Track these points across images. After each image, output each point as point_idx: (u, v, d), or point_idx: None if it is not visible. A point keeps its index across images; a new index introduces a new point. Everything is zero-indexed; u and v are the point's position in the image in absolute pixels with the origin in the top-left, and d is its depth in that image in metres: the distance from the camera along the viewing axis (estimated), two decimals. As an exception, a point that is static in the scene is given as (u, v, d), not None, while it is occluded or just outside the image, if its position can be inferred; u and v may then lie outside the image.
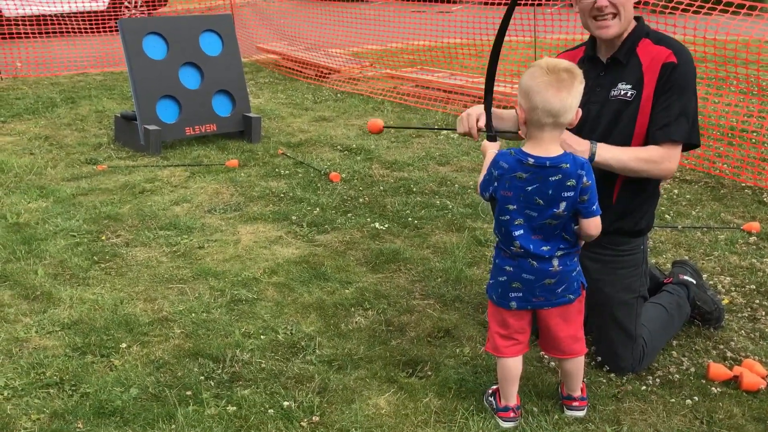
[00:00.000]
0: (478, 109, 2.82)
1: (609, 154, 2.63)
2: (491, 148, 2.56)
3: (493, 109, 2.81)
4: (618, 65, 2.78)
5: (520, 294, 2.46)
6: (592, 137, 2.71)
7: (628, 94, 2.73)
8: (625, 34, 2.77)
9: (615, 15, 2.71)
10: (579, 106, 2.35)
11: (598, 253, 2.86)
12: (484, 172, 2.49)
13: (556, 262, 2.41)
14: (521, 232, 2.39)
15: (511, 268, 2.44)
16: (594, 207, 2.38)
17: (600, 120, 2.78)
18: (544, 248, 2.40)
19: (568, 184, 2.31)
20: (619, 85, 2.76)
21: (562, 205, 2.34)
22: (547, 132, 2.31)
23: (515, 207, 2.38)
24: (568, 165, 2.31)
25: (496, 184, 2.40)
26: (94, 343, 3.07)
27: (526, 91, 2.29)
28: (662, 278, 3.36)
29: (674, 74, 2.67)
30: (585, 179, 2.34)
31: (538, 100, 2.26)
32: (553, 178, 2.31)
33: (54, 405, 2.67)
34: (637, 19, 2.80)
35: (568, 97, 2.27)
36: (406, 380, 2.84)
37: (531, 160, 2.32)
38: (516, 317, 2.50)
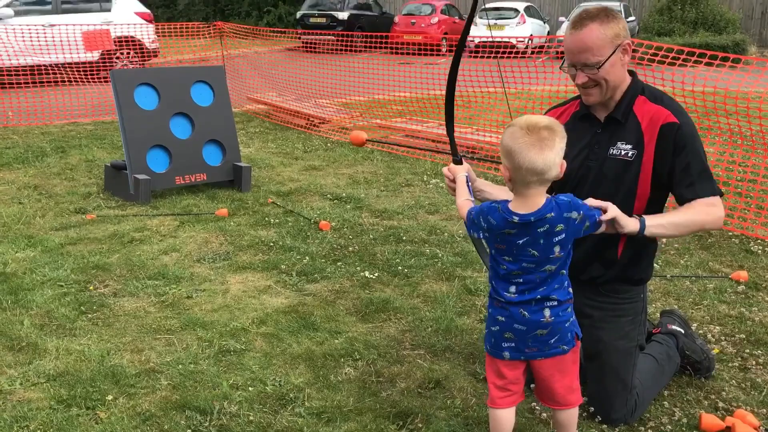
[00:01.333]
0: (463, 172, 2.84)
1: (656, 222, 2.61)
2: (459, 171, 2.72)
3: (483, 182, 2.91)
4: (616, 123, 2.79)
5: (513, 344, 2.45)
6: (596, 196, 2.70)
7: (629, 155, 2.74)
8: (620, 93, 2.78)
9: (596, 85, 2.73)
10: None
11: (598, 301, 2.87)
12: (459, 195, 2.66)
13: (547, 313, 2.41)
14: (520, 280, 2.40)
15: (503, 318, 2.44)
16: (595, 219, 2.41)
17: (602, 179, 2.79)
18: (541, 288, 2.40)
19: (557, 229, 2.33)
20: (619, 144, 2.77)
21: (557, 249, 2.35)
22: (533, 188, 2.34)
23: (511, 259, 2.39)
24: (552, 214, 2.33)
25: (487, 235, 2.42)
26: (79, 396, 3.02)
27: (508, 152, 2.31)
28: (651, 328, 3.36)
29: (680, 134, 2.67)
30: (575, 214, 2.35)
31: (522, 161, 2.28)
32: (541, 230, 2.33)
33: (37, 460, 2.61)
34: (631, 74, 2.83)
35: (551, 155, 2.29)
36: (397, 432, 2.80)
37: (516, 219, 2.34)
38: (510, 367, 2.49)
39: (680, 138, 2.67)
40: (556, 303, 2.42)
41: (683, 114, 2.73)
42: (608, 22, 2.65)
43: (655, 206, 2.80)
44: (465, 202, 2.64)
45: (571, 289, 2.47)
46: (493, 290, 2.48)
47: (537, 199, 2.35)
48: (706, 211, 2.67)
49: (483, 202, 2.51)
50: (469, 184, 2.76)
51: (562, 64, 2.79)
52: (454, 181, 2.81)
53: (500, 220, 2.37)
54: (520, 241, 2.35)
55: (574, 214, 2.35)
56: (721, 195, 2.77)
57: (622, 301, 2.88)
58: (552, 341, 2.44)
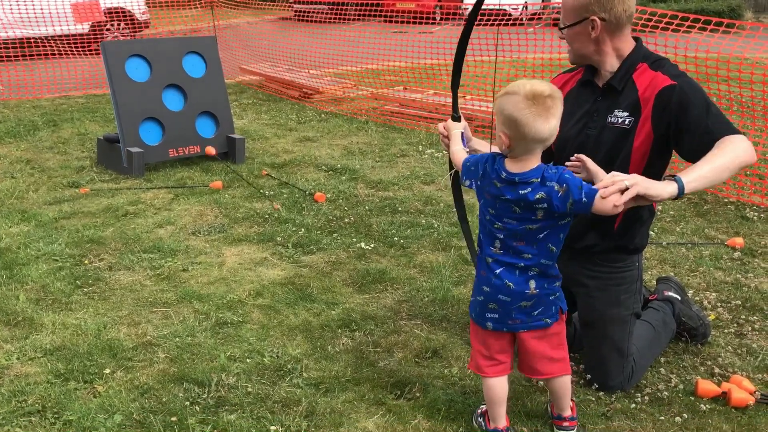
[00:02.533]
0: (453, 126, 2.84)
1: (695, 181, 2.41)
2: (455, 128, 2.75)
3: (478, 141, 2.91)
4: (613, 91, 2.77)
5: (496, 315, 2.45)
6: (594, 161, 2.67)
7: (626, 122, 2.72)
8: (618, 61, 2.76)
9: (569, 47, 2.81)
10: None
11: (593, 270, 2.87)
12: (453, 148, 2.70)
13: (533, 285, 2.39)
14: (501, 236, 2.40)
15: (488, 289, 2.44)
16: (583, 194, 2.24)
17: (600, 146, 2.77)
18: (526, 255, 2.38)
19: (538, 197, 2.29)
20: (616, 112, 2.75)
21: (540, 213, 2.32)
22: (532, 152, 2.32)
23: (494, 212, 2.40)
24: (537, 179, 2.29)
25: (478, 182, 2.44)
26: (77, 369, 3.02)
27: (513, 122, 2.26)
28: (647, 295, 3.37)
29: (680, 94, 2.59)
30: (557, 186, 2.26)
31: (527, 131, 2.25)
32: (523, 192, 2.31)
33: (36, 433, 2.62)
34: (636, 40, 2.82)
35: (555, 122, 2.28)
36: (395, 402, 2.81)
37: (503, 175, 2.34)
38: (494, 337, 2.50)
39: (681, 96, 2.60)
40: (538, 272, 2.39)
41: (681, 75, 2.69)
42: None
43: (654, 176, 2.75)
44: (459, 151, 2.67)
45: (556, 265, 2.44)
46: (480, 249, 2.48)
47: (532, 161, 2.33)
48: (736, 148, 2.46)
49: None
50: (464, 140, 2.77)
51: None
52: (447, 137, 2.81)
53: (492, 171, 2.38)
54: (504, 197, 2.35)
55: (556, 186, 2.27)
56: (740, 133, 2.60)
57: (617, 270, 2.88)
58: (535, 313, 2.43)
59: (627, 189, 2.25)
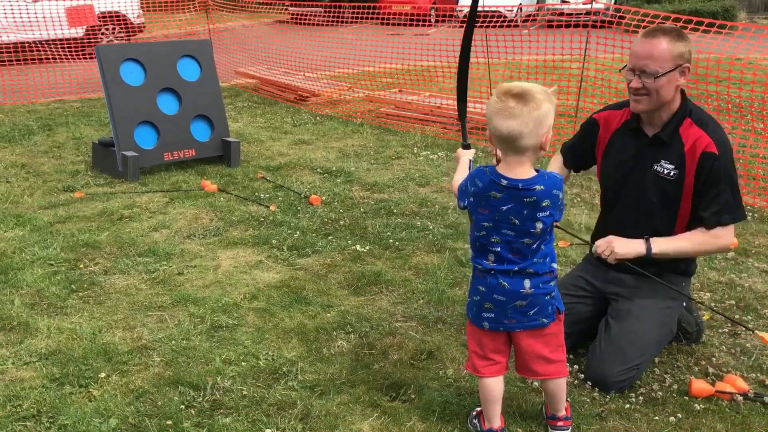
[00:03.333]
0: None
1: (663, 246, 2.87)
2: (465, 155, 2.75)
3: None
4: (661, 143, 2.92)
5: (492, 315, 2.46)
6: (638, 207, 2.98)
7: (671, 174, 2.89)
8: (669, 114, 2.90)
9: (647, 95, 2.83)
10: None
11: (648, 288, 3.02)
12: (458, 174, 2.68)
13: (527, 284, 2.40)
14: (497, 249, 2.40)
15: (484, 288, 2.45)
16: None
17: (644, 192, 2.95)
18: (519, 265, 2.40)
19: (543, 204, 2.32)
20: (663, 163, 2.91)
21: (539, 225, 2.34)
22: (511, 156, 2.32)
23: (491, 225, 2.38)
24: (542, 187, 2.31)
25: (472, 199, 2.41)
26: (72, 374, 3.02)
27: (486, 117, 2.34)
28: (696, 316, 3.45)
29: (717, 166, 2.82)
30: (562, 195, 2.36)
31: (491, 127, 2.31)
32: (527, 200, 2.32)
33: (31, 438, 2.62)
34: (682, 94, 2.92)
35: (515, 123, 2.23)
36: (390, 404, 2.82)
37: (504, 182, 2.33)
38: (490, 337, 2.50)
39: (716, 168, 2.82)
40: (533, 272, 2.41)
41: (724, 144, 2.85)
42: (678, 41, 2.79)
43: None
44: (459, 180, 2.63)
45: (554, 264, 2.46)
46: (473, 258, 2.49)
47: (520, 168, 2.33)
48: (709, 243, 2.90)
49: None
50: (471, 167, 2.72)
51: (623, 67, 2.91)
52: None
53: (487, 182, 2.36)
54: (504, 207, 2.34)
55: (562, 195, 2.35)
56: (743, 219, 2.98)
57: (668, 290, 3.01)
58: (531, 313, 2.44)
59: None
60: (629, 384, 2.90)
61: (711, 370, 3.05)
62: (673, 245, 2.89)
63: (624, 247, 2.85)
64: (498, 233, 2.38)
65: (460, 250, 4.33)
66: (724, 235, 2.90)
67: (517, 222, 2.34)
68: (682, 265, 3.05)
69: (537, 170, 2.36)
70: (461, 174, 2.67)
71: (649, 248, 2.85)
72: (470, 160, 2.76)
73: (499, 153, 2.40)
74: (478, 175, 2.39)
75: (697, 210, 2.90)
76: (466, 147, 2.81)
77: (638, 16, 6.94)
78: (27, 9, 11.41)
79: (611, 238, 2.88)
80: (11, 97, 9.53)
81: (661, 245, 2.87)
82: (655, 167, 2.94)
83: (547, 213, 2.33)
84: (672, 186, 2.90)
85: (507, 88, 2.29)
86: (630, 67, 2.86)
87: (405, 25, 15.23)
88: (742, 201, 2.95)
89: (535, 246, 2.39)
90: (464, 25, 2.95)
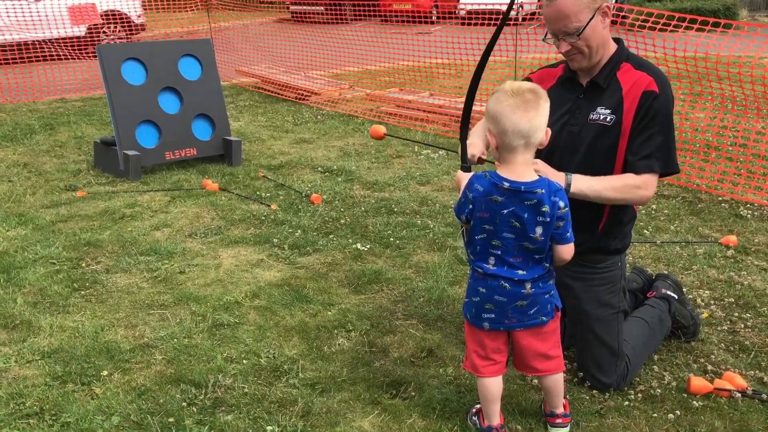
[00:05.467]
0: (478, 147, 2.81)
1: (584, 184, 2.64)
2: (465, 179, 2.58)
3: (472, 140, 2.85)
4: (597, 89, 2.79)
5: (493, 315, 2.46)
6: (573, 160, 2.75)
7: (608, 119, 2.73)
8: (604, 59, 2.77)
9: (580, 52, 2.72)
10: (549, 126, 2.38)
11: (576, 272, 2.88)
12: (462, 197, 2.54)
13: (528, 285, 2.42)
14: (498, 252, 2.40)
15: (484, 290, 2.45)
16: (569, 234, 2.41)
17: (580, 143, 2.79)
18: (520, 272, 2.41)
19: (543, 209, 2.33)
20: (599, 109, 2.76)
21: (539, 230, 2.35)
22: (520, 155, 2.33)
23: (492, 228, 2.38)
24: (543, 191, 2.33)
25: (471, 206, 2.40)
26: (74, 372, 3.04)
27: (494, 116, 2.31)
28: (646, 285, 3.40)
29: (656, 104, 2.67)
30: (561, 204, 2.35)
31: (507, 124, 2.28)
32: (528, 203, 2.33)
33: (34, 435, 2.64)
34: (617, 41, 2.82)
35: (536, 117, 2.29)
36: (390, 402, 2.84)
37: (506, 184, 2.33)
38: (491, 337, 2.51)
39: (654, 106, 2.67)
40: (537, 276, 2.43)
41: (664, 83, 2.72)
42: None
43: None
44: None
45: (551, 266, 2.48)
46: (475, 259, 2.49)
47: (524, 170, 2.35)
48: (634, 191, 2.70)
49: None
50: None
51: (545, 36, 2.78)
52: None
53: (487, 185, 2.36)
54: (505, 211, 2.35)
55: (561, 203, 2.35)
56: (677, 172, 2.80)
57: (600, 271, 2.90)
58: (531, 312, 2.45)
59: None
60: (627, 377, 2.90)
61: (710, 367, 3.07)
62: (593, 186, 2.64)
63: (550, 175, 2.53)
64: (498, 237, 2.38)
65: (460, 249, 4.34)
66: (650, 185, 2.71)
67: (518, 225, 2.35)
68: (609, 244, 2.87)
69: (538, 175, 2.37)
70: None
71: (568, 183, 2.60)
72: None
73: (497, 155, 2.40)
74: (478, 180, 2.39)
75: (627, 154, 2.71)
76: (466, 170, 2.66)
77: (642, 15, 6.95)
78: (29, 8, 11.43)
79: (541, 164, 2.57)
80: (14, 96, 9.55)
81: (581, 183, 2.62)
82: (591, 116, 2.75)
83: (547, 219, 2.34)
84: (608, 132, 2.72)
85: (516, 85, 2.31)
86: (551, 34, 2.74)
87: (406, 22, 15.23)
88: (676, 154, 2.76)
89: (536, 253, 2.40)
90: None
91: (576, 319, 2.92)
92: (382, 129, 3.57)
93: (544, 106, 2.32)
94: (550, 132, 2.37)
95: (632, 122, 2.70)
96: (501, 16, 2.73)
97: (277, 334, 3.37)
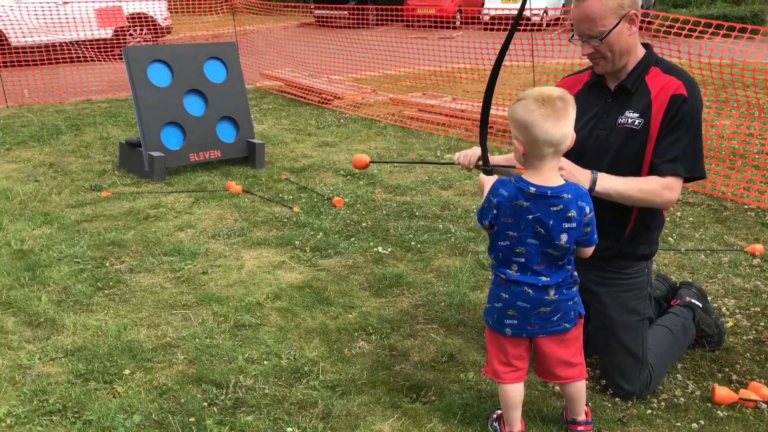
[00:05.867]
0: (477, 151, 2.82)
1: (609, 184, 2.62)
2: (488, 182, 2.56)
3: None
4: (625, 93, 2.77)
5: (516, 321, 2.45)
6: (601, 164, 2.73)
7: (636, 123, 2.71)
8: (631, 65, 2.76)
9: (602, 56, 2.72)
10: (576, 131, 2.36)
11: (603, 277, 2.86)
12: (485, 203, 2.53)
13: (552, 291, 2.40)
14: (522, 260, 2.39)
15: (507, 296, 2.43)
16: (594, 237, 2.41)
17: (608, 147, 2.77)
18: (543, 278, 2.39)
19: (569, 215, 2.31)
20: (627, 113, 2.74)
21: (564, 237, 2.33)
22: (548, 161, 2.32)
23: (516, 234, 2.36)
24: (569, 195, 2.31)
25: (495, 211, 2.38)
26: (97, 370, 3.07)
27: (523, 126, 2.28)
28: (670, 293, 3.36)
29: (684, 107, 2.65)
30: (587, 210, 2.34)
31: (539, 133, 2.26)
32: (555, 209, 2.31)
33: (57, 432, 2.66)
34: (645, 46, 2.81)
35: (567, 125, 2.28)
36: (410, 405, 2.83)
37: (532, 189, 2.31)
38: (513, 344, 2.49)
39: (683, 110, 2.65)
40: (561, 282, 2.41)
41: (693, 87, 2.70)
42: None
43: None
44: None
45: (575, 273, 2.47)
46: (497, 265, 2.47)
47: (551, 175, 2.33)
48: (659, 193, 2.66)
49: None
50: None
51: (571, 36, 2.79)
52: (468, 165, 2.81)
53: (513, 190, 2.34)
54: (530, 216, 2.33)
55: (587, 209, 2.34)
56: (703, 177, 2.77)
57: (626, 277, 2.87)
58: (554, 318, 2.43)
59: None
60: (651, 385, 2.87)
61: (735, 377, 3.03)
62: (617, 186, 2.61)
63: (576, 173, 2.55)
64: (522, 244, 2.36)
65: (482, 254, 4.33)
66: (674, 188, 2.67)
67: (542, 231, 2.33)
68: (639, 250, 2.84)
69: (565, 180, 2.36)
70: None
71: (594, 181, 2.58)
72: None
73: (521, 163, 2.39)
74: (502, 185, 2.36)
75: (653, 157, 2.68)
76: (488, 173, 2.63)
77: (667, 21, 6.89)
78: (57, 10, 11.58)
79: (565, 161, 2.53)
80: (41, 97, 9.68)
81: (606, 182, 2.60)
82: (620, 120, 2.74)
83: (573, 225, 2.32)
84: (636, 136, 2.70)
85: (545, 92, 2.28)
86: (576, 35, 2.73)
87: (430, 27, 15.23)
88: (703, 159, 2.73)
89: (560, 259, 2.38)
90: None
91: (601, 325, 2.90)
92: (365, 158, 3.53)
93: (573, 112, 2.30)
94: (575, 136, 2.36)
95: (659, 125, 2.68)
96: (522, 21, 2.72)
97: (298, 336, 3.38)
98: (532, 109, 2.26)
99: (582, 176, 2.56)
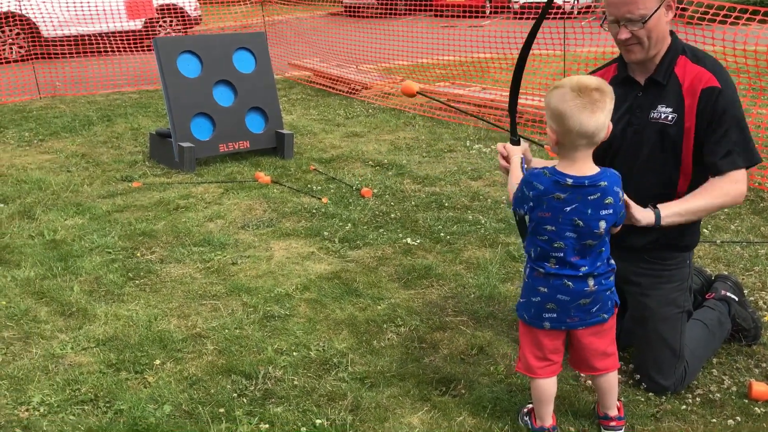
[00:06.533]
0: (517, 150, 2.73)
1: (673, 211, 2.58)
2: (515, 153, 2.59)
3: (539, 161, 2.79)
4: (656, 86, 2.70)
5: (555, 315, 2.41)
6: (636, 160, 2.70)
7: (669, 118, 2.65)
8: (660, 55, 2.69)
9: (638, 42, 2.64)
10: (612, 122, 2.32)
11: (643, 268, 2.82)
12: (513, 178, 2.53)
13: (591, 282, 2.36)
14: (561, 254, 2.35)
15: (546, 289, 2.40)
16: (623, 210, 2.40)
17: (642, 144, 2.72)
18: (583, 268, 2.35)
19: (606, 201, 2.28)
20: (659, 108, 2.68)
21: (602, 224, 2.30)
22: (581, 151, 2.28)
23: (554, 228, 2.33)
24: (606, 183, 2.28)
25: (531, 204, 2.34)
26: (128, 360, 3.09)
27: (558, 115, 2.24)
28: (705, 286, 3.30)
29: (721, 100, 2.58)
30: (621, 195, 2.33)
31: (573, 124, 2.21)
32: (592, 197, 2.27)
33: (89, 422, 2.69)
34: (670, 33, 2.73)
35: (602, 117, 2.23)
36: (440, 398, 2.81)
37: (569, 181, 2.27)
38: (550, 337, 2.46)
39: (720, 103, 2.58)
40: (599, 272, 2.38)
41: (724, 76, 2.63)
42: None
43: (702, 180, 2.69)
44: (516, 183, 2.51)
45: (612, 261, 2.43)
46: (535, 259, 2.43)
47: (586, 164, 2.29)
48: (727, 191, 2.61)
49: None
50: (524, 166, 2.62)
51: (603, 20, 2.70)
52: (507, 159, 2.69)
53: (549, 183, 2.30)
54: (568, 208, 2.29)
55: (621, 194, 2.32)
56: (759, 161, 2.69)
57: (668, 268, 2.82)
58: (594, 310, 2.40)
59: None
60: (685, 380, 2.82)
61: (772, 372, 2.96)
62: (685, 206, 2.58)
63: (637, 214, 2.49)
64: (561, 238, 2.32)
65: (512, 245, 4.29)
66: (740, 180, 2.60)
67: (581, 224, 2.29)
68: (678, 240, 2.79)
69: (599, 167, 2.32)
70: (516, 176, 2.54)
71: (657, 216, 2.53)
72: (522, 158, 2.64)
73: (555, 151, 2.35)
74: (537, 178, 2.32)
75: (706, 157, 2.61)
76: (516, 143, 2.64)
77: (702, 8, 6.75)
78: (88, 2, 11.68)
79: (631, 204, 2.49)
80: (73, 89, 9.78)
81: (670, 209, 2.56)
82: (653, 115, 2.67)
83: (610, 211, 2.29)
84: (671, 131, 2.64)
85: (583, 83, 2.22)
86: (612, 20, 2.62)
87: (459, 16, 15.12)
88: (754, 143, 2.66)
89: (597, 248, 2.35)
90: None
91: (639, 316, 2.85)
92: (414, 86, 3.40)
93: (610, 104, 2.25)
94: (611, 127, 2.31)
95: (697, 122, 2.62)
96: (552, 9, 2.67)
97: (327, 327, 3.37)
98: (567, 99, 2.21)
99: (646, 220, 2.52)
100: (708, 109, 2.60)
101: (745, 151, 2.63)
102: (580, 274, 2.35)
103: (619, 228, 2.41)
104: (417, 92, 3.40)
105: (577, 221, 2.29)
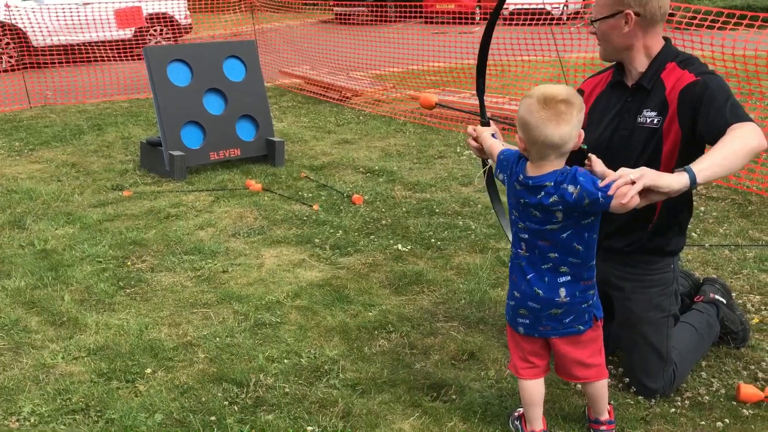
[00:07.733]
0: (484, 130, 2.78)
1: (706, 163, 2.29)
2: (486, 132, 2.69)
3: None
4: (642, 91, 2.75)
5: (527, 321, 2.44)
6: (629, 164, 2.67)
7: (654, 121, 2.70)
8: (645, 62, 2.75)
9: (600, 41, 2.79)
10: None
11: (628, 273, 2.83)
12: (488, 141, 2.65)
13: (563, 292, 2.37)
14: (526, 236, 2.39)
15: (519, 294, 2.44)
16: (601, 199, 2.17)
17: (632, 147, 2.75)
18: (551, 254, 2.35)
19: (552, 200, 2.26)
20: (645, 112, 2.73)
21: (559, 214, 2.29)
22: (550, 160, 2.29)
23: (517, 214, 2.41)
24: (550, 183, 2.26)
25: (508, 179, 2.43)
26: (119, 369, 3.09)
27: (524, 125, 2.26)
28: (693, 289, 3.32)
29: (702, 87, 2.56)
30: (571, 188, 2.21)
31: (538, 135, 2.23)
32: (538, 197, 2.30)
33: (80, 431, 2.68)
34: (665, 39, 2.79)
35: (567, 129, 2.22)
36: (431, 404, 2.82)
37: (521, 177, 2.35)
38: (527, 341, 2.49)
39: (703, 89, 2.57)
40: (569, 278, 2.36)
41: (707, 72, 2.64)
42: None
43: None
44: (495, 143, 2.62)
45: (591, 274, 2.40)
46: (512, 245, 2.49)
47: (547, 167, 2.31)
48: (745, 134, 2.37)
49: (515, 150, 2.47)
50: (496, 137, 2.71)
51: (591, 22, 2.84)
52: (476, 140, 2.75)
53: (515, 172, 2.38)
54: (523, 200, 2.35)
55: (571, 188, 2.22)
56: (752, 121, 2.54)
57: (651, 273, 2.83)
58: (567, 321, 2.41)
59: (634, 183, 2.15)
60: (674, 383, 2.84)
61: (760, 375, 2.98)
62: (716, 154, 2.32)
63: (662, 179, 2.20)
64: (523, 221, 2.38)
65: (502, 250, 4.30)
66: (752, 129, 2.39)
67: (537, 214, 2.33)
68: (663, 245, 2.79)
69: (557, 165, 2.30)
70: (490, 140, 2.65)
71: (692, 175, 2.24)
72: (493, 135, 2.68)
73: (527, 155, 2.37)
74: (514, 162, 2.40)
75: (707, 138, 2.50)
76: (485, 124, 2.73)
77: (689, 13, 6.80)
78: (77, 11, 11.67)
79: (656, 175, 2.20)
80: (63, 98, 9.77)
81: (702, 163, 2.29)
82: (639, 119, 2.72)
83: (560, 207, 2.25)
84: (654, 134, 2.67)
85: (549, 94, 2.22)
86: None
87: (449, 23, 15.17)
88: (744, 110, 2.51)
89: (564, 234, 2.31)
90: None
91: (625, 320, 2.87)
92: (433, 98, 3.38)
93: (578, 115, 2.23)
94: (583, 134, 2.30)
95: (680, 119, 2.62)
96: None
97: (318, 334, 3.38)
98: (533, 111, 2.23)
99: (681, 179, 2.23)
100: (688, 98, 2.59)
101: (739, 115, 2.48)
102: (550, 264, 2.35)
103: (615, 206, 2.16)
104: (436, 104, 3.42)
105: (534, 212, 2.33)
